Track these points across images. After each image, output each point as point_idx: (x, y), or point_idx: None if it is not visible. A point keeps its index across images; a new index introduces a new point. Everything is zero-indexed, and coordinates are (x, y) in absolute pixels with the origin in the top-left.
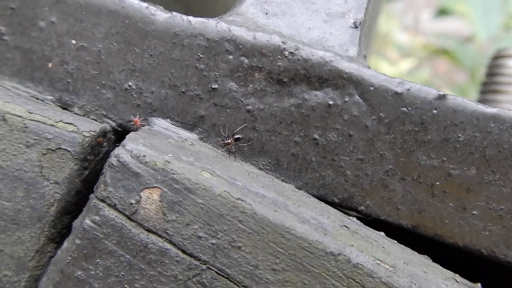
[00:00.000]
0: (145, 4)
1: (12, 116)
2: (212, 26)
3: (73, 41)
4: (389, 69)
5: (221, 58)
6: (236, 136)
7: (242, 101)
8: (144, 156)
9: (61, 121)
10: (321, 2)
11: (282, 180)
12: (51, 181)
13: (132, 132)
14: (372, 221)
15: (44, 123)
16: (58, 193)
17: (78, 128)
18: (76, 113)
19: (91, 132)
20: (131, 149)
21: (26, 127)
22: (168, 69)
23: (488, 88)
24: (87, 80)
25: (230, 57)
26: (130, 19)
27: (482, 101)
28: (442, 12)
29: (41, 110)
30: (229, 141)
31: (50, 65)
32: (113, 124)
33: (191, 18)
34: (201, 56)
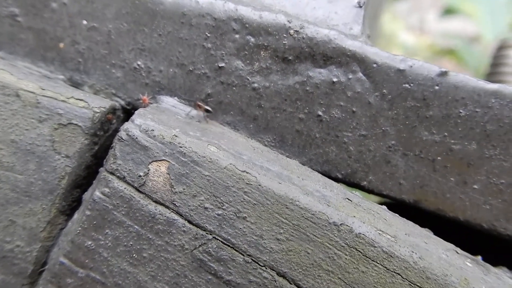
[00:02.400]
0: None
1: (25, 92)
2: (219, 6)
3: (84, 22)
4: None
5: (228, 37)
6: (207, 107)
7: (248, 79)
8: (153, 130)
9: (72, 97)
10: None
11: (287, 156)
12: (62, 155)
13: (140, 109)
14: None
15: (55, 99)
16: (69, 166)
17: (88, 104)
18: (87, 92)
19: (101, 108)
20: (139, 123)
21: (38, 102)
22: (176, 48)
23: (492, 78)
24: (97, 60)
25: (237, 36)
26: (139, 0)
27: None
28: (448, 12)
29: (53, 87)
30: (201, 104)
31: (61, 45)
32: (122, 102)
33: None
34: (208, 35)
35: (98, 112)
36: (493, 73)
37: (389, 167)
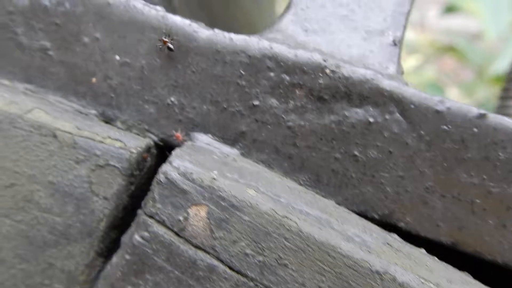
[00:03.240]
0: (187, 21)
1: (62, 132)
2: (254, 43)
3: (117, 57)
4: None
5: (263, 75)
6: (170, 45)
7: (283, 117)
8: (191, 173)
9: (108, 137)
10: (360, 20)
11: (322, 196)
12: (100, 197)
13: (177, 149)
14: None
15: (92, 139)
16: (107, 208)
17: (125, 145)
18: (119, 128)
19: (138, 149)
20: (178, 166)
21: (75, 143)
22: (210, 85)
23: (503, 111)
24: (130, 95)
25: (272, 74)
26: (172, 36)
27: (502, 107)
28: (450, 9)
29: (89, 126)
30: (166, 40)
31: (93, 80)
32: (155, 138)
33: (233, 35)
34: (243, 73)
35: (134, 153)
36: (503, 106)
37: (426, 209)
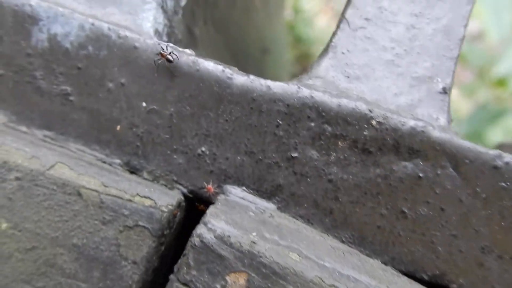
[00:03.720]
0: (220, 67)
1: (87, 190)
2: (293, 91)
3: (144, 104)
4: None
5: (302, 125)
6: (169, 57)
7: (323, 170)
8: (229, 236)
9: (137, 194)
10: (406, 65)
11: (367, 255)
12: (129, 261)
13: (211, 207)
14: None
15: (120, 197)
16: (136, 273)
17: (155, 203)
18: (145, 178)
19: (169, 207)
20: (213, 227)
21: (102, 202)
22: (245, 135)
23: None
24: (157, 144)
25: (312, 124)
26: (204, 83)
27: None
28: None
29: (116, 182)
30: (164, 53)
31: (118, 127)
32: (185, 190)
33: (269, 82)
34: (280, 122)
35: (166, 211)
36: None
37: (482, 270)
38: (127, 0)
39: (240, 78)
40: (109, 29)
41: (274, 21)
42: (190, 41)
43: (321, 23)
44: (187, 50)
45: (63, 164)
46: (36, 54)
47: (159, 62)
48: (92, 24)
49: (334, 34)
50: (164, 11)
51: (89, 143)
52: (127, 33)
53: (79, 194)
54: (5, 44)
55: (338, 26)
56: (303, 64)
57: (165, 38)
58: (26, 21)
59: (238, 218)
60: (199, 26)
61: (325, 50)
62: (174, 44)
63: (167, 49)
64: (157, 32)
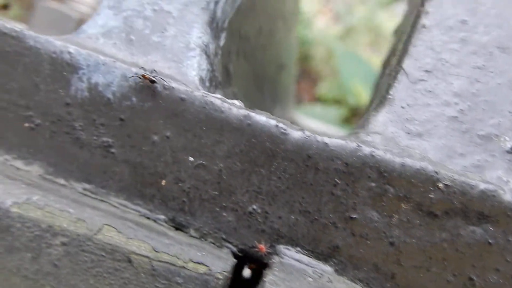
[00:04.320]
0: (274, 122)
1: (138, 256)
2: (352, 149)
3: (191, 158)
4: None
5: (362, 185)
6: (153, 78)
7: (384, 232)
8: None
9: (190, 260)
10: (471, 122)
11: None
12: None
13: (269, 274)
14: None
15: (173, 264)
16: None
17: (210, 269)
18: (192, 236)
19: (224, 273)
20: None
21: (154, 269)
22: (299, 194)
23: None
24: (205, 201)
25: (373, 184)
26: (256, 138)
27: None
28: None
29: (167, 247)
30: (146, 74)
31: (163, 182)
32: (234, 249)
33: (327, 139)
34: (338, 182)
35: (221, 278)
36: None
37: None
38: (170, 46)
39: (294, 134)
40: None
41: (290, 37)
42: (226, 79)
43: (320, 24)
44: (236, 102)
45: (110, 226)
46: (76, 104)
47: (141, 83)
48: (135, 74)
49: (390, 85)
50: (207, 55)
51: (132, 197)
52: (174, 84)
53: (129, 261)
54: (41, 93)
55: (395, 77)
56: (303, 66)
57: (207, 84)
58: (65, 69)
59: (297, 286)
60: (233, 62)
61: (381, 103)
62: (216, 88)
63: (151, 73)
64: (201, 80)
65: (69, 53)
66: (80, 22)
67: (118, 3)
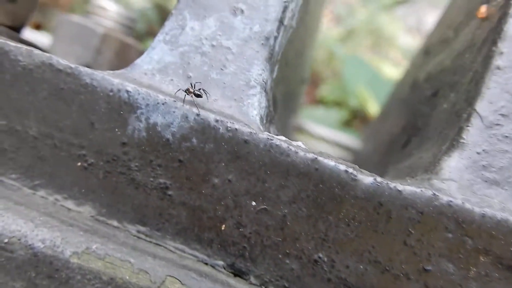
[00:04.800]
0: (343, 167)
1: None
2: (428, 198)
3: (253, 203)
4: (392, 71)
5: (438, 236)
6: (197, 92)
7: (460, 285)
8: None
9: None
10: None
11: None
12: None
13: None
14: None
15: None
16: None
17: None
18: (252, 283)
19: None
20: None
21: None
22: (369, 243)
23: None
24: (267, 247)
25: (449, 235)
26: (324, 184)
27: None
28: None
29: None
30: (192, 90)
31: (223, 227)
32: None
33: (400, 186)
34: (412, 231)
35: None
36: None
37: None
38: (230, 84)
39: (365, 180)
40: (216, 121)
41: (312, 52)
42: (274, 108)
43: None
44: (300, 144)
45: (174, 278)
46: (132, 144)
47: (186, 95)
48: (197, 115)
49: (462, 128)
50: (266, 92)
51: (189, 241)
52: (237, 126)
53: None
54: (96, 132)
55: (467, 120)
56: None
57: (264, 121)
58: (122, 108)
59: None
60: (279, 89)
61: (453, 146)
62: (270, 124)
63: (194, 87)
64: (261, 119)
65: (127, 91)
66: (104, 37)
67: (174, 37)
